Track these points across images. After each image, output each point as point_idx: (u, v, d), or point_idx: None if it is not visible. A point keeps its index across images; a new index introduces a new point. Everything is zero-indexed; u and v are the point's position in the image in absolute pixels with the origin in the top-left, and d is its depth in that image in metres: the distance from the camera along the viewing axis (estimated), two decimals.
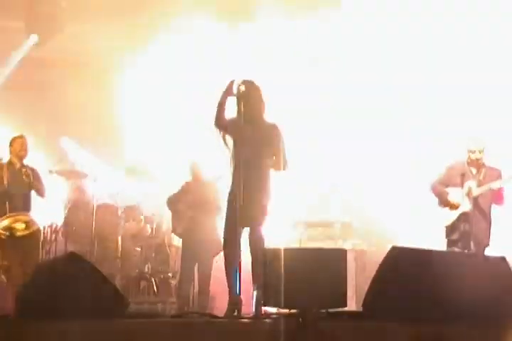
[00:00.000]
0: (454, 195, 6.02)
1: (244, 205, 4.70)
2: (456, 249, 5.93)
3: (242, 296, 4.75)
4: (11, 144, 6.79)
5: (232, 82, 4.90)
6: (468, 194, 5.88)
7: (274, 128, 5.04)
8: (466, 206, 5.90)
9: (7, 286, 6.35)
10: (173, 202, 7.33)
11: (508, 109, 7.93)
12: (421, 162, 8.01)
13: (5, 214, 6.46)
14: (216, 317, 4.48)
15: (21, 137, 6.87)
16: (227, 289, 4.84)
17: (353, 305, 5.71)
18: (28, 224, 6.57)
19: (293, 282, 4.07)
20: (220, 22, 7.62)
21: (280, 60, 8.05)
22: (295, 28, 8.05)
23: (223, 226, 5.00)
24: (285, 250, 4.49)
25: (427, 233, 6.85)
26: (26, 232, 6.51)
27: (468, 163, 6.04)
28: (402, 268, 3.82)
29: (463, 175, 5.92)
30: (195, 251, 6.93)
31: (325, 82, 8.22)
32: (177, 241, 7.97)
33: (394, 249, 4.04)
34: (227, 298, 4.84)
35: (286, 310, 4.11)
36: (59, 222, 7.58)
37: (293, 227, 7.44)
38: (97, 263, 7.29)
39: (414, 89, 8.07)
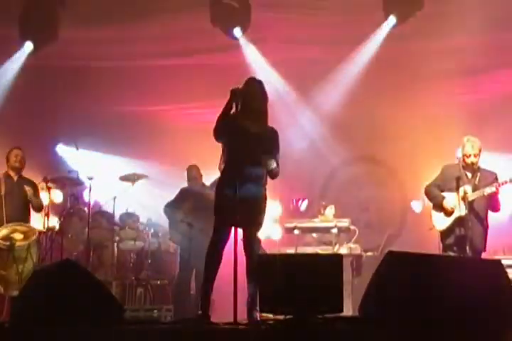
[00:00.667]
0: (449, 199, 6.02)
1: (241, 206, 4.59)
2: (452, 254, 5.92)
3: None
4: (7, 156, 6.81)
5: (233, 92, 4.74)
6: (464, 198, 5.88)
7: (274, 132, 4.94)
8: (461, 210, 5.90)
9: (3, 295, 6.35)
10: (170, 210, 7.32)
11: None
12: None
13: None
14: (213, 323, 4.47)
15: (17, 149, 6.89)
16: (224, 295, 4.80)
17: (349, 310, 5.70)
18: (27, 234, 6.58)
19: (289, 288, 4.06)
20: None
21: None
22: None
23: (214, 224, 4.84)
24: (281, 255, 4.50)
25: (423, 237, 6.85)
26: (24, 242, 6.51)
27: (463, 167, 6.04)
28: (399, 272, 3.82)
29: (458, 179, 5.92)
30: (193, 258, 6.93)
31: None
32: (173, 248, 7.97)
33: (390, 253, 4.04)
34: (224, 303, 4.80)
35: (282, 316, 4.09)
36: (55, 229, 7.56)
37: (289, 232, 7.43)
38: (92, 270, 7.32)
39: None
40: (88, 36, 7.51)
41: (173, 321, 6.30)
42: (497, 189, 5.83)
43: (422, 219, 7.74)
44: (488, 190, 5.83)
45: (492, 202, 5.95)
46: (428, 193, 6.23)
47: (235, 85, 4.77)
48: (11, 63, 7.89)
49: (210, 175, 6.64)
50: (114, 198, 7.83)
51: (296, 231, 7.21)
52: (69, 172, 7.91)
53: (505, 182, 5.85)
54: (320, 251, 6.91)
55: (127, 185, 8.09)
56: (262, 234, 5.02)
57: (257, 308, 4.56)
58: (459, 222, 5.90)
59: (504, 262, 4.72)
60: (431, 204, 6.27)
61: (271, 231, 7.20)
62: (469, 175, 6.02)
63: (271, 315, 4.35)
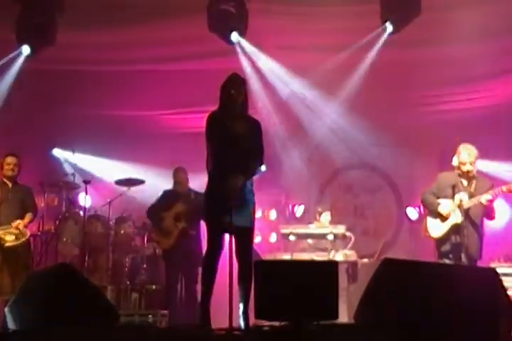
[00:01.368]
0: (445, 204, 6.04)
1: (232, 213, 4.58)
2: (448, 261, 5.93)
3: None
4: (1, 163, 6.81)
5: (229, 95, 4.74)
6: (460, 205, 5.90)
7: (256, 126, 4.89)
8: (457, 218, 5.91)
9: None
10: (155, 214, 7.28)
11: None
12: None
13: None
14: (207, 329, 4.46)
15: (11, 156, 6.88)
16: (219, 300, 4.79)
17: (344, 317, 5.70)
18: (18, 235, 6.58)
19: (284, 294, 4.06)
20: None
21: None
22: None
23: (207, 232, 4.82)
24: (276, 262, 4.50)
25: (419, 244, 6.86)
26: (15, 243, 6.52)
27: (459, 175, 6.06)
28: (394, 280, 3.82)
29: (453, 187, 5.94)
30: (180, 262, 6.96)
31: None
32: None
33: (386, 260, 4.05)
34: (220, 309, 4.78)
35: (277, 323, 4.09)
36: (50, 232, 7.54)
37: (285, 238, 7.43)
38: (88, 275, 7.31)
39: None
40: (85, 41, 7.50)
41: (168, 326, 6.31)
42: (493, 197, 5.85)
43: (417, 226, 7.76)
44: (484, 198, 5.84)
45: (487, 211, 5.97)
46: (424, 200, 6.25)
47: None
48: (8, 67, 7.88)
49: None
50: (110, 202, 7.83)
51: (291, 237, 7.21)
52: (65, 175, 7.90)
53: (501, 191, 5.87)
54: (316, 258, 6.91)
55: (123, 189, 8.09)
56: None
57: (247, 314, 4.58)
58: (455, 229, 5.91)
59: (499, 270, 4.74)
60: (427, 211, 6.29)
61: None
62: (465, 182, 6.04)
63: (266, 322, 4.34)
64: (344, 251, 7.19)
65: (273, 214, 8.95)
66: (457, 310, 3.62)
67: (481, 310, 3.62)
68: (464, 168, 6.00)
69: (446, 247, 5.98)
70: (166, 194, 7.39)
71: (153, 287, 7.36)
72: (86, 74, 8.08)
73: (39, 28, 7.29)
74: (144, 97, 8.55)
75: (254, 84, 7.74)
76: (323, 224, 7.70)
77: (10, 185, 6.87)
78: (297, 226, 7.60)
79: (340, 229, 7.27)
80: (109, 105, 8.65)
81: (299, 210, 9.04)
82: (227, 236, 4.73)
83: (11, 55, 7.74)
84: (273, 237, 8.44)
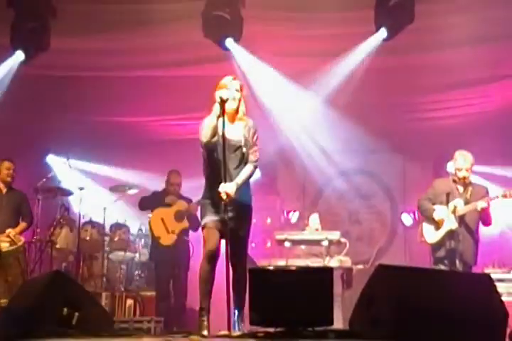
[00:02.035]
0: (439, 210, 6.05)
1: (230, 216, 4.60)
2: (442, 267, 5.95)
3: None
4: None
5: (222, 100, 4.69)
6: (454, 211, 5.92)
7: (251, 130, 4.84)
8: (452, 224, 5.92)
9: None
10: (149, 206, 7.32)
11: None
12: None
13: None
14: (202, 336, 4.45)
15: (8, 161, 6.87)
16: (215, 306, 4.76)
17: (339, 323, 5.69)
18: (12, 241, 6.57)
19: (279, 300, 4.05)
20: None
21: None
22: None
23: (204, 237, 4.77)
24: (271, 268, 4.49)
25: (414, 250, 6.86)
26: (10, 248, 6.50)
27: (454, 181, 6.08)
28: (389, 286, 3.82)
29: (448, 195, 5.96)
30: (170, 268, 6.97)
31: None
32: None
33: (380, 267, 4.05)
34: (216, 315, 4.76)
35: (272, 329, 4.08)
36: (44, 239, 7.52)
37: (279, 244, 7.42)
38: (82, 281, 7.29)
39: None
40: (79, 46, 7.48)
41: (163, 333, 6.29)
42: (488, 203, 5.87)
43: (412, 232, 7.77)
44: (479, 205, 5.86)
45: (483, 217, 5.99)
46: (419, 206, 6.28)
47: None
48: (2, 72, 7.86)
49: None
50: (104, 209, 7.81)
51: (287, 244, 7.20)
52: (47, 179, 7.82)
53: (497, 197, 5.90)
54: (310, 264, 6.91)
55: (117, 196, 8.08)
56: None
57: (242, 320, 4.57)
58: (450, 235, 5.93)
59: (494, 276, 4.75)
60: (422, 217, 6.31)
61: None
62: (461, 189, 6.06)
63: (261, 328, 4.33)
64: (339, 257, 7.18)
65: (268, 221, 8.97)
66: (452, 316, 3.62)
67: (476, 315, 3.63)
68: (460, 175, 6.03)
69: (441, 253, 6.01)
70: (158, 192, 7.45)
71: (148, 293, 7.33)
72: (80, 80, 8.06)
73: (32, 33, 7.27)
74: (139, 103, 8.54)
75: (249, 89, 7.75)
76: (313, 227, 7.71)
77: (4, 190, 6.86)
78: (292, 233, 7.59)
79: (335, 235, 7.27)
80: (103, 111, 8.63)
81: (294, 216, 9.05)
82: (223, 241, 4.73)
83: (4, 60, 7.71)
84: (268, 243, 8.45)
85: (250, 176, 4.84)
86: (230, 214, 4.64)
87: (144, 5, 7.01)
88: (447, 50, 7.14)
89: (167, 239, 7.20)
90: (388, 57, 7.33)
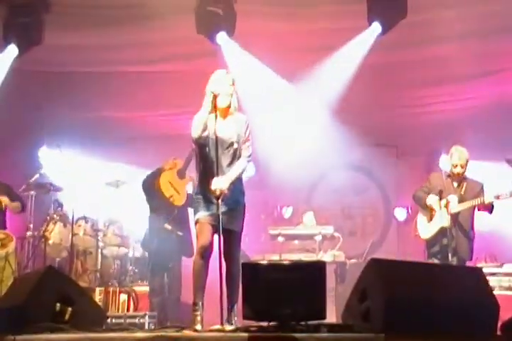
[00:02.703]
0: (432, 197, 6.08)
1: (223, 211, 4.61)
2: (436, 261, 5.97)
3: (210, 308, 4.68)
4: None
5: (214, 95, 4.68)
6: (447, 207, 5.95)
7: (243, 125, 4.83)
8: (444, 221, 5.96)
9: None
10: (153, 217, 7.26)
11: None
12: None
13: None
14: (196, 330, 4.46)
15: None
16: (209, 301, 4.77)
17: (333, 317, 5.72)
18: (3, 241, 6.54)
19: (272, 294, 4.06)
20: None
21: None
22: None
23: (197, 232, 4.78)
24: (263, 262, 4.50)
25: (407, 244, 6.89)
26: (2, 251, 6.48)
27: (449, 176, 6.10)
28: (381, 280, 3.83)
29: (441, 191, 6.00)
30: (164, 261, 6.96)
31: None
32: None
33: (373, 260, 4.07)
34: (210, 309, 4.77)
35: (265, 323, 4.09)
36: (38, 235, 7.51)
37: (273, 239, 7.45)
38: (76, 277, 7.29)
39: None
40: (72, 41, 7.47)
41: (157, 328, 6.29)
42: (482, 200, 5.90)
43: (405, 226, 7.80)
44: (472, 203, 5.90)
45: (482, 209, 6.00)
46: (414, 197, 6.33)
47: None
48: None
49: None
50: (98, 204, 7.81)
51: (280, 238, 7.22)
52: (40, 174, 7.79)
53: (491, 202, 5.91)
54: (304, 258, 6.93)
55: (111, 191, 8.07)
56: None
57: (235, 315, 4.58)
58: (443, 232, 5.96)
59: (486, 270, 4.78)
60: (417, 210, 6.34)
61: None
62: (455, 184, 6.09)
63: (254, 322, 4.34)
64: (332, 251, 7.22)
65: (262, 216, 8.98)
66: (444, 309, 3.64)
67: (468, 308, 3.65)
68: (455, 171, 6.06)
69: (435, 248, 6.07)
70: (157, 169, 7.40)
71: (142, 289, 7.33)
72: (72, 74, 8.06)
73: (26, 28, 7.26)
74: (131, 98, 8.53)
75: (241, 85, 7.74)
76: (307, 224, 7.73)
77: None
78: (286, 228, 7.62)
79: (329, 230, 7.30)
80: (96, 106, 8.61)
81: (288, 211, 9.06)
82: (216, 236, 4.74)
83: None
84: (262, 238, 8.45)
85: (243, 171, 4.84)
86: (223, 209, 4.65)
87: (137, 0, 7.01)
88: (439, 44, 7.16)
89: (179, 199, 7.10)
90: (381, 52, 7.34)
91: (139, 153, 9.05)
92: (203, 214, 4.75)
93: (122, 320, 6.73)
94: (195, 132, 4.72)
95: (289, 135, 8.69)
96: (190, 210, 6.33)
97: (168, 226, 7.27)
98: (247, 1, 7.01)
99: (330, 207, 9.08)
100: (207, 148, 4.74)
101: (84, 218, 7.83)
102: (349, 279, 6.81)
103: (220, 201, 4.61)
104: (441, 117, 8.32)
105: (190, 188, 6.91)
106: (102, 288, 7.07)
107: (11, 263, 6.63)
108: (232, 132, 4.79)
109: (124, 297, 7.07)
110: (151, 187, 7.13)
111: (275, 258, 7.03)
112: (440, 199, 6.01)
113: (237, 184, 4.79)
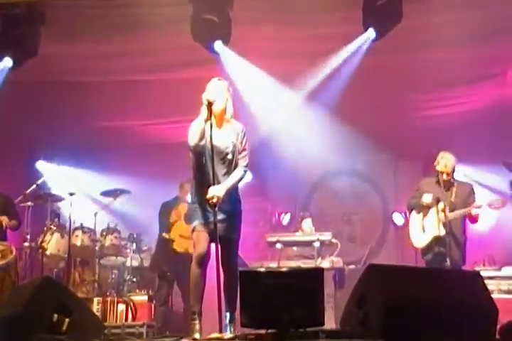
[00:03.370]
0: (426, 196, 6.15)
1: (217, 222, 4.59)
2: None
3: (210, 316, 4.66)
4: None
5: (209, 103, 4.67)
6: (439, 216, 6.02)
7: (239, 134, 4.82)
8: (437, 230, 6.04)
9: None
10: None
11: None
12: None
13: None
14: (194, 339, 4.44)
15: None
16: (208, 307, 4.74)
17: (332, 323, 5.69)
18: (3, 253, 6.52)
19: (270, 302, 4.04)
20: None
21: None
22: None
23: (194, 241, 4.76)
24: (261, 270, 4.48)
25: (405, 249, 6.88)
26: (2, 262, 6.45)
27: (437, 182, 6.15)
28: (379, 285, 3.82)
29: (431, 204, 6.06)
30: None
31: None
32: None
33: (371, 266, 4.05)
34: (209, 317, 4.75)
35: (263, 330, 4.07)
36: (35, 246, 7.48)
37: (271, 246, 7.42)
38: (74, 287, 7.26)
39: None
40: (67, 52, 7.48)
41: (156, 337, 6.26)
42: (470, 211, 5.95)
43: (404, 231, 7.77)
44: (461, 212, 5.97)
45: (469, 218, 6.07)
46: (408, 207, 6.45)
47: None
48: None
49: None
50: (96, 214, 7.79)
51: (278, 245, 7.20)
52: (37, 185, 7.77)
53: (480, 207, 5.96)
54: (302, 265, 6.91)
55: (109, 201, 8.05)
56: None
57: (234, 323, 4.56)
58: (436, 240, 6.06)
59: (484, 273, 4.77)
60: (410, 222, 6.41)
61: None
62: (445, 190, 6.14)
63: (253, 330, 4.32)
64: (331, 257, 7.19)
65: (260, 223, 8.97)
66: (442, 314, 3.62)
67: (466, 312, 3.63)
68: (441, 178, 6.13)
69: (429, 256, 6.17)
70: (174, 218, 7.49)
71: (140, 298, 7.30)
72: (69, 85, 8.06)
73: (21, 40, 7.26)
74: (129, 107, 8.55)
75: (238, 92, 7.76)
76: (306, 231, 7.72)
77: None
78: (284, 234, 7.60)
79: (327, 236, 7.28)
80: (94, 116, 8.62)
81: (286, 218, 9.05)
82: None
83: None
84: (260, 245, 8.43)
85: (240, 180, 4.83)
86: (220, 218, 4.64)
87: (132, 9, 7.01)
88: (435, 49, 7.17)
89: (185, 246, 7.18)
90: (377, 57, 7.35)
91: (137, 161, 9.04)
92: (199, 223, 4.73)
93: (120, 330, 6.71)
94: (192, 140, 4.71)
95: (285, 140, 8.68)
96: None
97: (166, 235, 7.29)
98: (242, 8, 7.01)
99: (328, 213, 9.07)
100: (203, 157, 4.73)
101: (82, 228, 7.80)
102: (348, 285, 6.78)
103: (216, 209, 4.60)
104: (439, 121, 8.31)
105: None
106: (100, 298, 7.03)
107: (11, 274, 6.60)
108: (228, 142, 4.78)
109: (122, 307, 7.03)
110: (165, 222, 7.33)
111: (273, 265, 7.01)
112: (430, 206, 6.09)
113: (232, 192, 4.78)
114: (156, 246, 7.63)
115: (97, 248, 7.68)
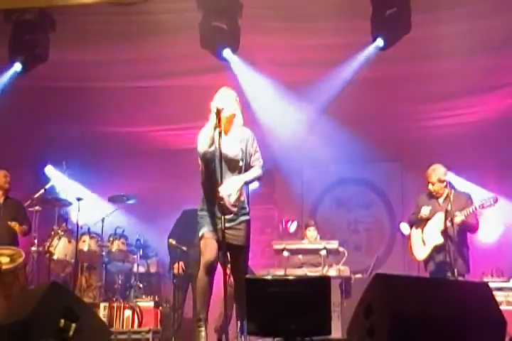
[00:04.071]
0: (424, 209, 6.27)
1: (226, 231, 4.57)
2: None
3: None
4: None
5: (218, 110, 4.70)
6: (437, 226, 6.07)
7: (249, 140, 4.86)
8: (437, 239, 6.12)
9: None
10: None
11: None
12: None
13: None
14: None
15: (5, 170, 6.86)
16: (212, 316, 4.75)
17: (338, 332, 5.68)
18: (13, 257, 6.54)
19: (277, 310, 4.04)
20: None
21: None
22: None
23: (202, 248, 4.77)
24: (268, 277, 4.47)
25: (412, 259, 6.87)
26: (11, 266, 6.46)
27: (430, 194, 6.23)
28: (386, 295, 3.81)
29: (430, 216, 6.16)
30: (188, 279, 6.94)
31: None
32: (164, 270, 7.96)
33: (378, 276, 4.04)
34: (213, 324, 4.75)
35: (270, 339, 4.07)
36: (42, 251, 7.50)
37: (278, 254, 7.42)
38: (80, 292, 7.27)
39: None
40: (77, 58, 7.53)
41: None
42: (465, 215, 5.96)
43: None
44: (458, 218, 5.95)
45: (464, 227, 6.08)
46: (408, 221, 6.65)
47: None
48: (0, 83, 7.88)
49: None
50: (103, 219, 7.81)
51: (285, 253, 7.20)
52: (45, 190, 7.80)
53: (475, 209, 5.97)
54: (309, 273, 6.90)
55: (116, 206, 8.07)
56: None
57: (244, 331, 4.55)
58: (437, 250, 6.12)
59: (492, 285, 4.76)
60: (411, 238, 6.50)
61: None
62: (441, 200, 6.19)
63: (259, 338, 4.32)
64: (337, 266, 7.18)
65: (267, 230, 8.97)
66: (450, 325, 3.61)
67: (474, 324, 3.62)
68: (431, 188, 6.28)
69: (431, 267, 6.21)
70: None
71: (146, 304, 7.31)
72: (78, 91, 8.09)
73: (31, 46, 7.31)
74: (138, 113, 8.57)
75: (246, 100, 7.78)
76: (310, 239, 7.72)
77: (1, 199, 6.85)
78: (290, 242, 7.59)
79: (334, 245, 7.27)
80: (101, 121, 8.65)
81: (293, 226, 9.05)
82: None
83: (2, 72, 7.73)
84: (266, 253, 8.43)
85: (257, 178, 4.87)
86: (229, 225, 4.64)
87: (141, 16, 7.05)
88: (443, 59, 7.18)
89: None
90: (385, 67, 7.37)
91: (145, 168, 9.07)
92: (207, 230, 4.74)
93: (127, 336, 6.72)
94: (202, 147, 4.73)
95: (292, 149, 8.68)
96: None
97: (173, 241, 7.29)
98: (251, 16, 7.04)
99: (335, 222, 9.06)
100: (212, 164, 4.75)
101: (89, 233, 7.82)
102: (355, 294, 6.77)
103: (225, 216, 4.60)
104: (445, 131, 8.32)
105: None
106: (107, 304, 7.04)
107: (20, 279, 6.62)
108: (236, 150, 4.80)
109: (128, 312, 7.04)
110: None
111: (280, 273, 7.00)
112: (429, 218, 6.13)
113: (242, 199, 4.79)
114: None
115: (104, 253, 7.70)
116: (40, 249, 7.44)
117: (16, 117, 8.13)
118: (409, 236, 6.55)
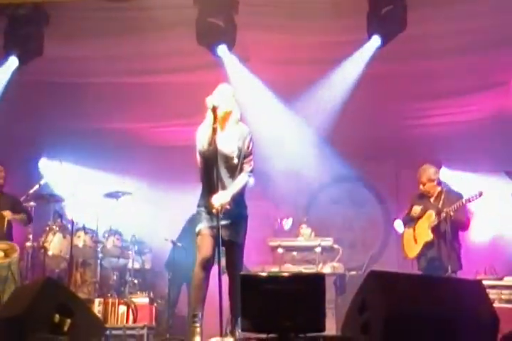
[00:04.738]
0: (415, 207, 6.39)
1: (222, 226, 4.61)
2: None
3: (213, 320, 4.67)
4: None
5: (214, 107, 4.71)
6: (427, 223, 6.12)
7: (245, 138, 4.86)
8: (426, 236, 6.22)
9: None
10: None
11: None
12: None
13: None
14: None
15: None
16: (211, 310, 4.75)
17: (333, 329, 5.70)
18: (7, 252, 6.54)
19: (271, 306, 4.05)
20: None
21: None
22: None
23: (198, 244, 4.79)
24: (262, 274, 4.49)
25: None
26: (5, 261, 6.46)
27: (421, 194, 6.29)
28: (380, 292, 3.82)
29: (420, 215, 6.26)
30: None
31: None
32: (158, 266, 7.97)
33: (372, 273, 4.06)
34: (209, 321, 4.76)
35: (263, 335, 4.08)
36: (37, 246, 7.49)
37: (273, 251, 7.43)
38: (75, 288, 7.28)
39: None
40: (73, 53, 7.51)
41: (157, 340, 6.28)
42: (453, 210, 6.01)
43: None
44: (445, 214, 6.08)
45: (454, 224, 6.12)
46: (403, 223, 6.68)
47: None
48: None
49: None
50: (98, 215, 7.80)
51: (280, 250, 7.22)
52: (40, 185, 7.79)
53: (462, 204, 6.03)
54: (304, 270, 6.92)
55: (111, 202, 8.07)
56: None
57: (239, 328, 4.56)
58: (427, 246, 6.22)
59: (485, 283, 4.78)
60: (404, 237, 6.65)
61: None
62: (432, 199, 6.30)
63: (253, 334, 4.33)
64: (332, 263, 7.21)
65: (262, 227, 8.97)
66: (443, 322, 3.63)
67: (467, 321, 3.64)
68: (422, 188, 6.41)
69: (423, 264, 6.30)
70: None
71: (141, 300, 7.31)
72: (73, 86, 8.08)
73: (26, 40, 7.29)
74: (134, 110, 8.56)
75: (241, 96, 7.77)
76: (305, 237, 7.74)
77: None
78: (285, 239, 7.61)
79: (328, 242, 7.30)
80: (96, 117, 8.63)
81: (288, 223, 9.03)
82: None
83: None
84: (261, 250, 8.43)
85: (244, 186, 4.85)
86: (225, 222, 4.65)
87: (138, 12, 7.04)
88: (438, 57, 7.19)
89: None
90: (380, 65, 7.37)
91: (139, 164, 9.06)
92: (204, 226, 4.76)
93: (121, 332, 6.72)
94: (201, 144, 4.75)
95: (289, 146, 8.69)
96: None
97: (167, 238, 7.31)
98: (247, 13, 7.03)
99: (330, 219, 9.07)
100: (210, 161, 4.76)
101: (84, 229, 7.82)
102: (349, 291, 6.80)
103: (220, 214, 4.61)
104: (440, 130, 8.34)
105: None
106: (101, 300, 7.04)
107: (14, 274, 6.62)
108: (233, 147, 4.81)
109: (123, 308, 7.04)
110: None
111: (275, 269, 7.02)
112: (420, 217, 6.17)
113: (238, 197, 4.80)
114: None
115: (98, 249, 7.70)
116: (35, 244, 7.45)
117: (11, 111, 8.10)
118: (403, 234, 6.62)
